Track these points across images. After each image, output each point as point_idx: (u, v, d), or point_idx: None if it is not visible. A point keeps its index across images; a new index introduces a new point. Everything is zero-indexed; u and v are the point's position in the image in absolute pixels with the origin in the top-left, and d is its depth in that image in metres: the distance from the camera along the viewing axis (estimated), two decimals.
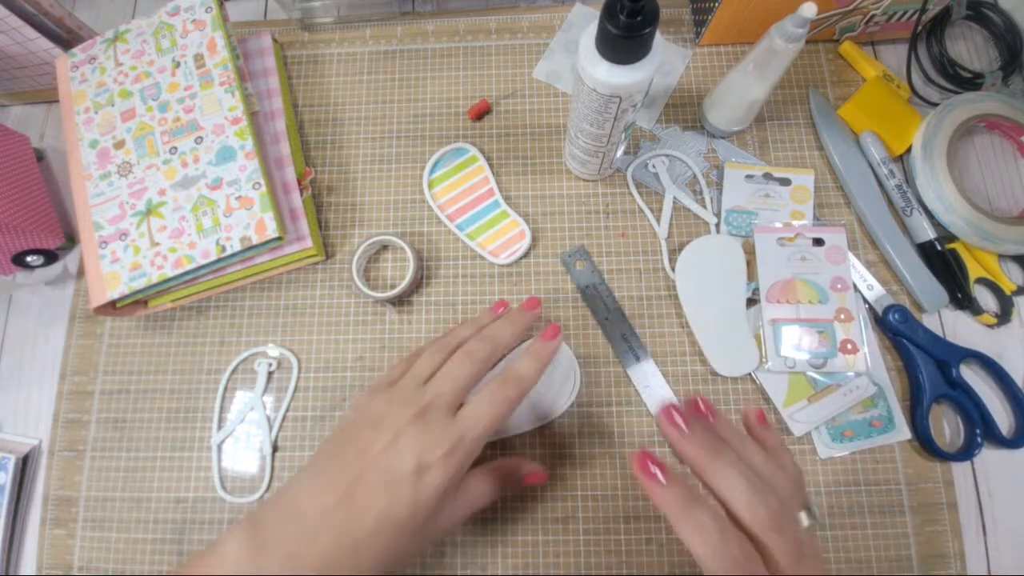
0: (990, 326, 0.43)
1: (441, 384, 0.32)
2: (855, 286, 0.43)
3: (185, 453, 0.43)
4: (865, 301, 0.43)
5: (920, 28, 0.46)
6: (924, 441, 0.40)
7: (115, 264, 0.41)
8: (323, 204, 0.48)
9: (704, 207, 0.46)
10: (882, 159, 0.45)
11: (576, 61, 0.35)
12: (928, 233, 0.44)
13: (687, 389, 0.42)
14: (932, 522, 0.40)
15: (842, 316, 0.42)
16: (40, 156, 0.51)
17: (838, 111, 0.47)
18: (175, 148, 0.43)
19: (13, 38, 0.45)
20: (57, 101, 0.51)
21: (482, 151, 0.48)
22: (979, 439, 0.40)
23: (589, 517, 0.41)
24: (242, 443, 0.43)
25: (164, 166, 0.43)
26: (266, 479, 0.42)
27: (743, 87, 0.42)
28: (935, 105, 0.46)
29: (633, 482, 0.41)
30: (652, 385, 0.42)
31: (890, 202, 0.45)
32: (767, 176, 0.46)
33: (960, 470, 0.41)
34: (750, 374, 0.42)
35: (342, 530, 0.28)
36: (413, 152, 0.48)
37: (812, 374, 0.42)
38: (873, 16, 0.46)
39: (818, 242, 0.44)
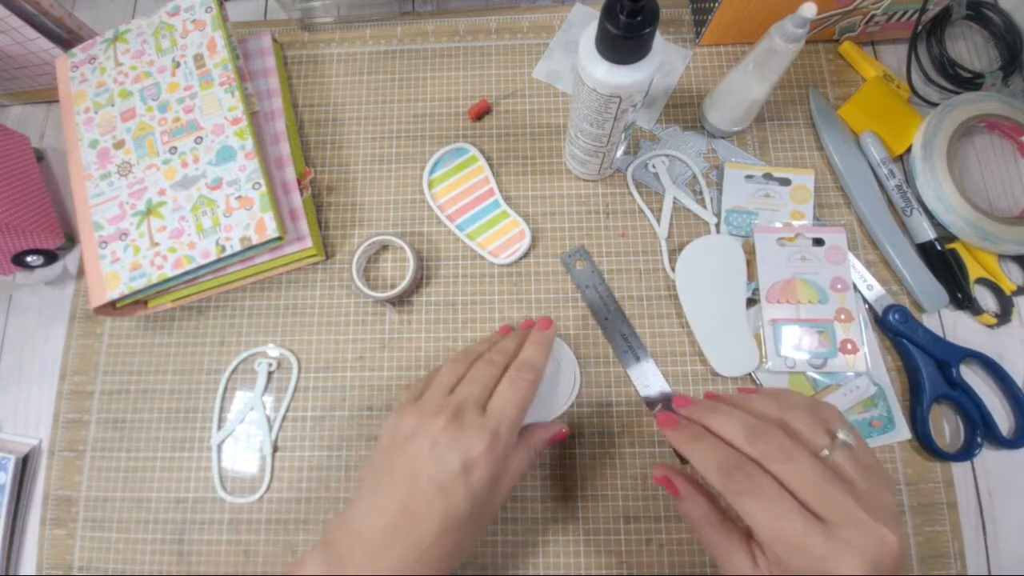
0: (990, 326, 0.43)
1: (467, 388, 0.34)
2: (855, 286, 0.43)
3: (185, 453, 0.43)
4: (865, 301, 0.43)
5: (920, 28, 0.46)
6: (924, 441, 0.40)
7: (115, 264, 0.41)
8: (323, 204, 0.48)
9: (704, 207, 0.46)
10: (882, 159, 0.45)
11: (576, 61, 0.35)
12: (928, 233, 0.44)
13: (687, 389, 0.42)
14: (932, 522, 0.40)
15: (842, 316, 0.42)
16: (40, 156, 0.51)
17: (838, 111, 0.47)
18: (175, 148, 0.43)
19: (13, 38, 0.45)
20: (57, 101, 0.51)
21: (482, 151, 0.48)
22: (979, 439, 0.40)
23: (589, 517, 0.41)
24: (242, 443, 0.43)
25: (164, 166, 0.43)
26: (266, 479, 0.42)
27: (743, 87, 0.42)
28: (935, 105, 0.46)
29: (633, 482, 0.41)
30: (652, 385, 0.42)
31: (890, 202, 0.45)
32: (767, 176, 0.46)
33: (960, 470, 0.41)
34: (750, 374, 0.42)
35: (408, 543, 0.29)
36: (413, 152, 0.49)
37: (812, 374, 0.42)
38: (873, 16, 0.46)
39: (818, 242, 0.44)
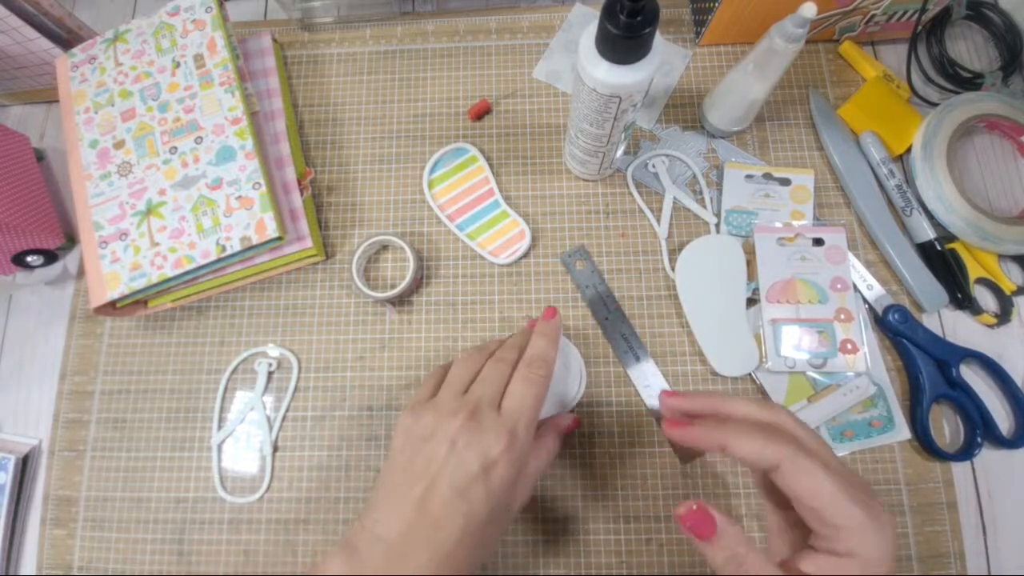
0: (990, 326, 0.43)
1: (481, 387, 0.33)
2: (855, 286, 0.43)
3: (185, 453, 0.43)
4: (865, 301, 0.43)
5: (920, 28, 0.46)
6: (924, 441, 0.40)
7: (115, 264, 0.41)
8: (323, 204, 0.48)
9: (704, 207, 0.46)
10: (882, 159, 0.45)
11: (576, 61, 0.35)
12: (928, 233, 0.44)
13: (687, 389, 0.42)
14: (932, 522, 0.40)
15: (842, 316, 0.42)
16: (40, 156, 0.51)
17: (838, 111, 0.47)
18: (175, 148, 0.43)
19: (13, 38, 0.45)
20: (57, 101, 0.51)
21: (482, 151, 0.48)
22: (979, 439, 0.40)
23: (589, 517, 0.41)
24: (242, 443, 0.43)
25: (164, 166, 0.43)
26: (266, 479, 0.42)
27: (743, 87, 0.42)
28: (935, 105, 0.46)
29: (633, 482, 0.41)
30: (652, 385, 0.42)
31: (890, 202, 0.45)
32: (767, 176, 0.46)
33: (960, 470, 0.41)
34: (750, 374, 0.42)
35: (429, 548, 0.29)
36: (413, 152, 0.48)
37: (812, 374, 0.42)
38: (873, 16, 0.46)
39: (818, 242, 0.44)
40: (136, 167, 0.43)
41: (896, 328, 0.42)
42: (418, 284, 0.46)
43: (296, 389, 0.44)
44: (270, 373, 0.44)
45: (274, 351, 0.45)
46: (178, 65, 0.45)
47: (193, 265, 0.41)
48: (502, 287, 0.45)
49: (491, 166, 0.48)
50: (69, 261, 0.49)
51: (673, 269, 0.44)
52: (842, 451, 0.41)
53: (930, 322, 0.43)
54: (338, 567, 0.29)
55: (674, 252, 0.45)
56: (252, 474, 0.43)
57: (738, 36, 0.49)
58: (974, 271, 0.43)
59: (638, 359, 0.43)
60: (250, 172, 0.42)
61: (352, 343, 0.45)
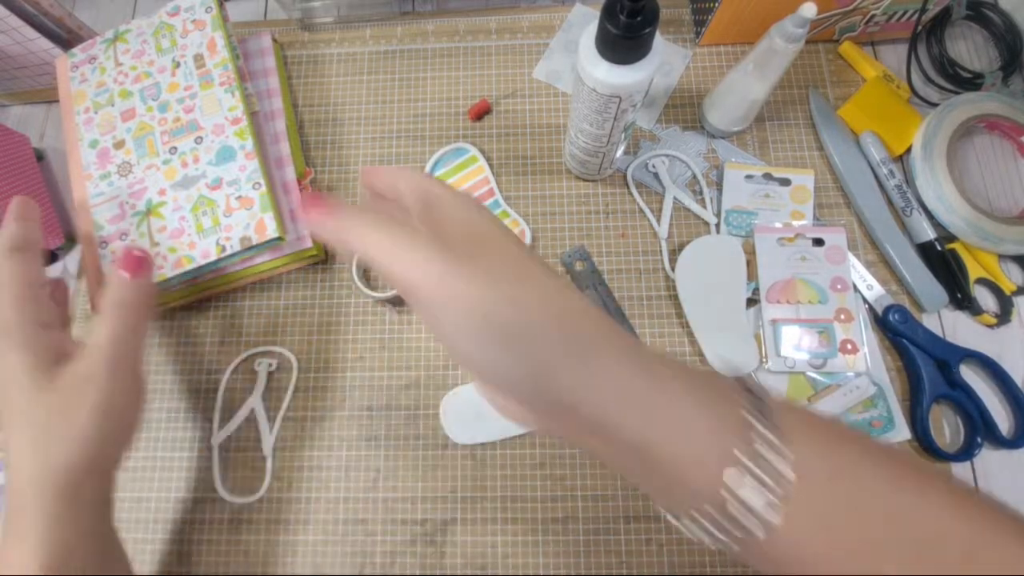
0: (990, 326, 0.43)
1: None
2: (855, 286, 0.43)
3: (185, 453, 0.43)
4: (865, 301, 0.43)
5: (920, 28, 0.46)
6: (924, 441, 0.40)
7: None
8: None
9: (704, 207, 0.46)
10: (882, 159, 0.45)
11: (576, 61, 0.35)
12: (928, 233, 0.44)
13: None
14: None
15: (842, 316, 0.42)
16: (40, 156, 0.51)
17: (838, 111, 0.47)
18: (175, 148, 0.43)
19: (13, 38, 0.45)
20: (57, 101, 0.51)
21: (482, 151, 0.48)
22: (979, 439, 0.40)
23: (589, 517, 0.41)
24: (242, 443, 0.43)
25: (164, 166, 0.43)
26: (266, 479, 0.42)
27: (743, 87, 0.42)
28: (935, 105, 0.46)
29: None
30: None
31: (890, 202, 0.45)
32: (767, 176, 0.46)
33: (960, 470, 0.41)
34: (750, 374, 0.42)
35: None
36: (413, 152, 0.48)
37: (812, 374, 0.42)
38: (873, 16, 0.46)
39: (818, 242, 0.44)
40: (136, 167, 0.43)
41: (896, 328, 0.42)
42: None
43: (296, 389, 0.44)
44: (270, 373, 0.44)
45: (274, 351, 0.45)
46: (178, 65, 0.45)
47: (193, 266, 0.41)
48: None
49: (491, 166, 0.48)
50: (69, 261, 0.49)
51: (673, 269, 0.44)
52: None
53: (930, 322, 0.43)
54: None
55: (674, 252, 0.45)
56: (252, 474, 0.43)
57: (738, 36, 0.49)
58: (974, 271, 0.43)
59: None
60: (250, 172, 0.42)
61: (352, 343, 0.45)
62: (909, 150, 0.46)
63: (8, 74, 0.48)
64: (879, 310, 0.43)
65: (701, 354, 0.43)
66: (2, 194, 0.44)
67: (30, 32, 0.45)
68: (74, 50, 0.46)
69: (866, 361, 0.41)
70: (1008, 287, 0.43)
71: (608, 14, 0.30)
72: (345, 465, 0.42)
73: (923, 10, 0.45)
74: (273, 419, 0.43)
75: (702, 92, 0.49)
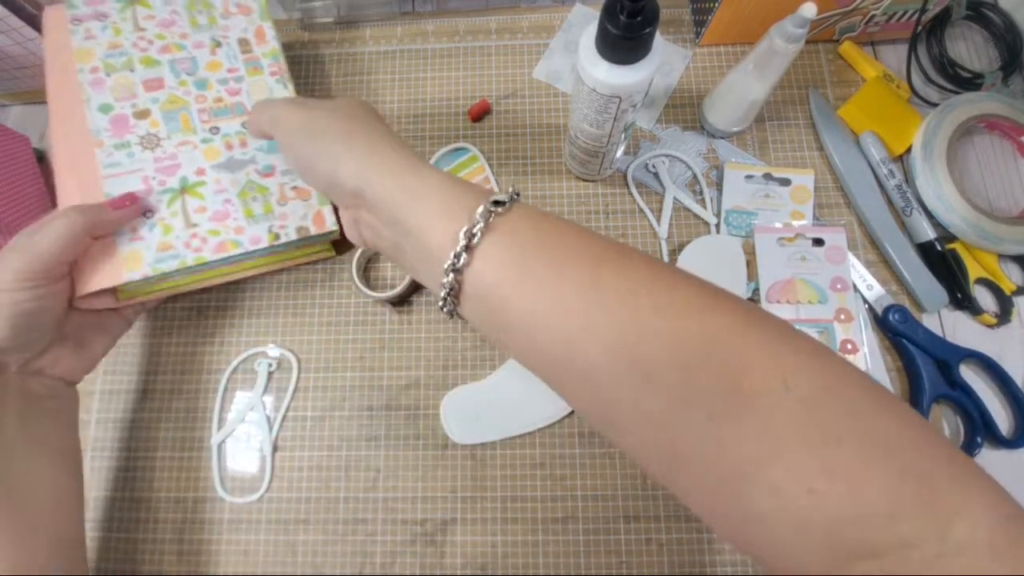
0: (990, 326, 0.43)
1: None
2: (855, 286, 0.43)
3: (185, 453, 0.43)
4: (865, 301, 0.43)
5: (920, 28, 0.46)
6: None
7: (136, 243, 0.38)
8: None
9: (704, 207, 0.46)
10: (882, 159, 0.45)
11: (576, 61, 0.35)
12: (928, 233, 0.44)
13: None
14: None
15: (842, 316, 0.42)
16: (40, 156, 0.51)
17: (838, 111, 0.47)
18: (216, 128, 0.41)
19: (13, 38, 0.45)
20: None
21: (482, 151, 0.48)
22: (979, 439, 0.40)
23: (589, 517, 0.41)
24: (242, 443, 0.43)
25: (203, 145, 0.41)
26: (266, 479, 0.42)
27: (743, 87, 0.42)
28: (935, 105, 0.46)
29: (633, 482, 0.41)
30: None
31: (890, 202, 0.45)
32: (767, 176, 0.46)
33: None
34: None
35: None
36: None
37: None
38: (873, 16, 0.46)
39: (818, 242, 0.44)
40: (166, 141, 0.40)
41: (896, 328, 0.42)
42: (418, 284, 0.46)
43: (296, 389, 0.44)
44: (270, 373, 0.44)
45: (274, 351, 0.45)
46: (219, 44, 0.43)
47: (240, 251, 0.39)
48: None
49: (491, 166, 0.48)
50: None
51: None
52: None
53: (930, 322, 0.43)
54: None
55: (674, 252, 0.45)
56: (252, 474, 0.43)
57: (738, 36, 0.49)
58: (974, 271, 0.43)
59: None
60: None
61: (352, 343, 0.45)
62: (909, 150, 0.46)
63: (8, 74, 0.48)
64: (879, 310, 0.43)
65: None
66: (2, 194, 0.44)
67: (30, 32, 0.45)
68: (73, 0, 0.42)
69: (866, 361, 0.41)
70: (1008, 287, 0.43)
71: (608, 14, 0.30)
72: (345, 465, 0.42)
73: (923, 10, 0.45)
74: (273, 419, 0.44)
75: (702, 92, 0.49)
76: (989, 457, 0.41)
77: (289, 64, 0.51)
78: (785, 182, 0.45)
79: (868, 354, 0.42)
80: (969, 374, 0.42)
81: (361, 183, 0.29)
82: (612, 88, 0.33)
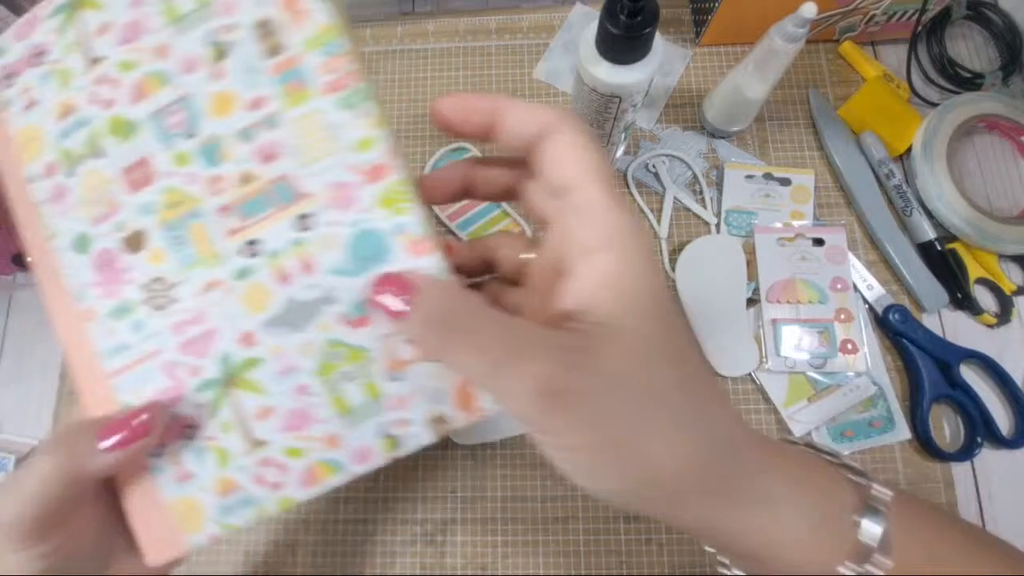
0: (990, 326, 0.43)
1: None
2: (855, 286, 0.43)
3: None
4: (865, 301, 0.43)
5: (920, 28, 0.46)
6: (924, 441, 0.40)
7: (186, 485, 0.23)
8: None
9: (704, 207, 0.46)
10: (882, 159, 0.45)
11: (576, 61, 0.35)
12: (928, 233, 0.44)
13: None
14: None
15: (842, 316, 0.42)
16: None
17: (838, 111, 0.47)
18: (254, 242, 0.22)
19: None
20: None
21: (482, 151, 0.48)
22: (979, 439, 0.40)
23: (589, 517, 0.41)
24: None
25: (239, 282, 0.22)
26: None
27: (743, 87, 0.42)
28: (935, 105, 0.46)
29: None
30: None
31: (890, 202, 0.45)
32: (767, 176, 0.46)
33: (960, 470, 0.41)
34: (750, 374, 0.42)
35: None
36: (413, 152, 0.48)
37: (812, 374, 0.42)
38: (873, 16, 0.46)
39: (818, 242, 0.44)
40: (182, 289, 0.23)
41: (896, 328, 0.42)
42: None
43: None
44: None
45: None
46: (222, 52, 0.22)
47: (338, 478, 0.22)
48: None
49: None
50: None
51: (673, 269, 0.44)
52: (842, 451, 0.41)
53: (930, 322, 0.43)
54: None
55: (674, 252, 0.45)
56: None
57: (738, 36, 0.49)
58: (974, 271, 0.43)
59: None
60: None
61: None
62: (909, 150, 0.46)
63: None
64: (879, 310, 0.43)
65: (701, 354, 0.43)
66: (1, 195, 0.44)
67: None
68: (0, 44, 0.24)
69: (866, 361, 0.41)
70: (1008, 287, 0.43)
71: (608, 14, 0.30)
72: None
73: (923, 10, 0.45)
74: None
75: (702, 92, 0.49)
76: (989, 457, 0.41)
77: None
78: (785, 182, 0.45)
79: (868, 354, 0.42)
80: (969, 374, 0.42)
81: (699, 527, 0.20)
82: (612, 88, 0.33)
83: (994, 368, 0.41)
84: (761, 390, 0.42)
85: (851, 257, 0.44)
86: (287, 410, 0.22)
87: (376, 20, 0.52)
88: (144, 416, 0.22)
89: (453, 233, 0.46)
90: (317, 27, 0.21)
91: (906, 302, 0.43)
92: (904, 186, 0.45)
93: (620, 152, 0.43)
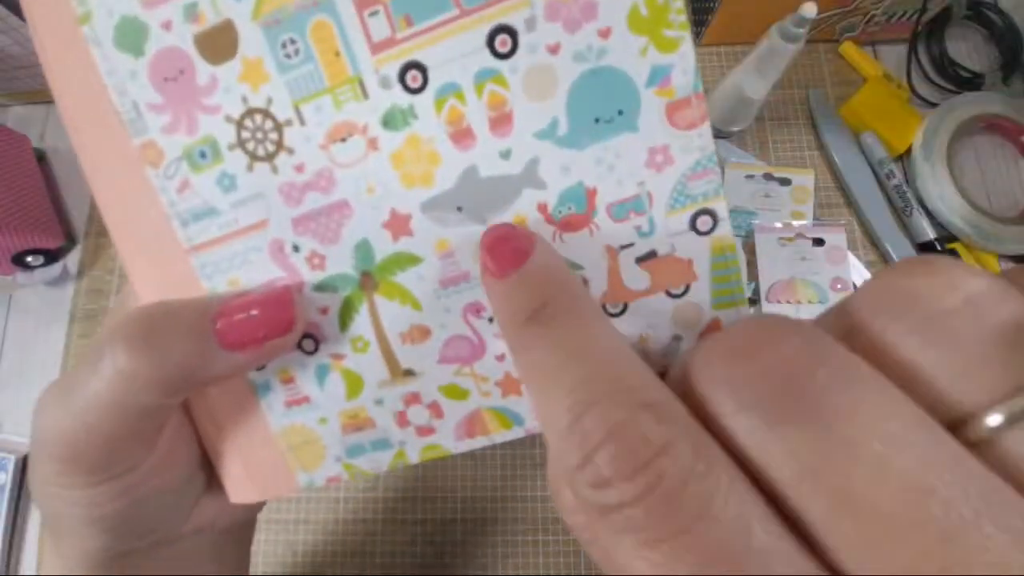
0: None
1: None
2: (855, 286, 0.43)
3: None
4: None
5: (920, 28, 0.46)
6: None
7: (299, 411, 0.17)
8: None
9: None
10: (882, 159, 0.45)
11: None
12: (928, 233, 0.44)
13: None
14: None
15: None
16: (40, 156, 0.51)
17: (838, 111, 0.47)
18: (415, 67, 0.14)
19: (13, 38, 0.45)
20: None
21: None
22: None
23: None
24: None
25: (389, 134, 0.15)
26: None
27: (743, 87, 0.42)
28: (935, 105, 0.46)
29: None
30: None
31: (890, 202, 0.45)
32: (767, 176, 0.46)
33: None
34: None
35: None
36: None
37: None
38: (873, 16, 0.46)
39: (818, 242, 0.44)
40: (293, 130, 0.15)
41: None
42: None
43: None
44: None
45: None
46: None
47: (514, 432, 0.17)
48: None
49: None
50: (69, 261, 0.49)
51: None
52: None
53: None
54: None
55: None
56: None
57: (738, 36, 0.49)
58: None
59: None
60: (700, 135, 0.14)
61: None
62: (909, 150, 0.46)
63: (8, 74, 0.48)
64: None
65: None
66: (2, 194, 0.44)
67: (30, 32, 0.44)
68: None
69: None
70: None
71: None
72: None
73: (923, 10, 0.45)
74: None
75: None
76: None
77: None
78: (785, 182, 0.45)
79: None
80: None
81: None
82: None
83: None
84: None
85: (851, 257, 0.44)
86: (450, 335, 0.16)
87: None
88: (285, 300, 0.15)
89: None
90: None
91: None
92: (904, 186, 0.45)
93: None
